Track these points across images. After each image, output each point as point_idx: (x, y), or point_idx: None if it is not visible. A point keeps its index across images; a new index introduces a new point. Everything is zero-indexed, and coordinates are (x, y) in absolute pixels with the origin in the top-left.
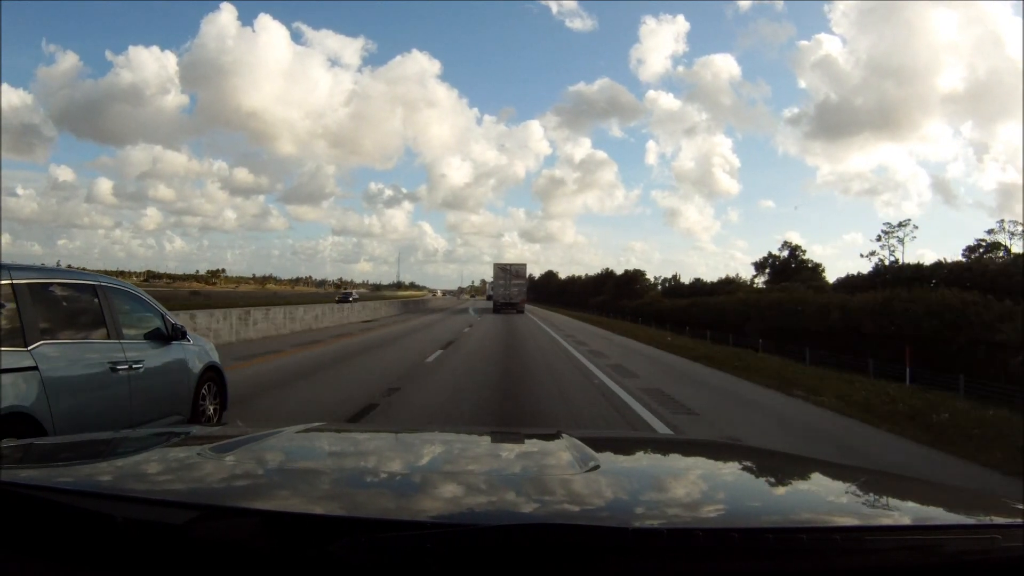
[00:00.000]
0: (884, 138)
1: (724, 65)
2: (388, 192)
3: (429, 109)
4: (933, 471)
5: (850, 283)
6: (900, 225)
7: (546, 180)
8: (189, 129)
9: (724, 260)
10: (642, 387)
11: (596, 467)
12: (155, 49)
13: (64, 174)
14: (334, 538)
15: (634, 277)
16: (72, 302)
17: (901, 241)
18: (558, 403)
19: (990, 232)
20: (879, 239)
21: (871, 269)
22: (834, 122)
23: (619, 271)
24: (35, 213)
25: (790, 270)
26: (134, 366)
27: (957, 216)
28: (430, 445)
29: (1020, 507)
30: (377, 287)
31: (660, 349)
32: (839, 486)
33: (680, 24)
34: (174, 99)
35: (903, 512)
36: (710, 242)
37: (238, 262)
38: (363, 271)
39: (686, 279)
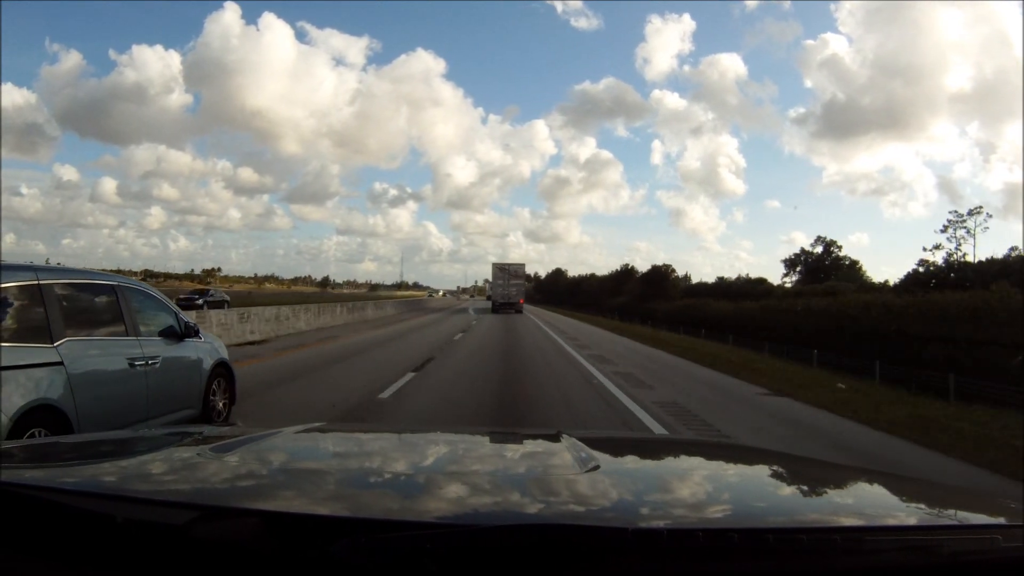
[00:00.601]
0: (890, 138)
1: (730, 64)
2: (393, 192)
3: (434, 108)
4: None
5: (917, 281)
6: (971, 213)
7: (551, 180)
8: (193, 128)
9: (729, 260)
10: None
11: (596, 467)
12: (159, 48)
13: (68, 173)
14: (334, 539)
15: (664, 273)
16: (93, 301)
17: (970, 232)
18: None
19: None
20: (944, 230)
21: (942, 264)
22: (840, 122)
23: (626, 270)
24: (39, 213)
25: (824, 267)
26: (151, 362)
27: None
28: (428, 445)
29: (1020, 507)
30: (375, 287)
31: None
32: (839, 486)
33: (686, 23)
34: (178, 98)
35: (903, 512)
36: (715, 242)
37: (243, 262)
38: (367, 271)
39: (692, 279)
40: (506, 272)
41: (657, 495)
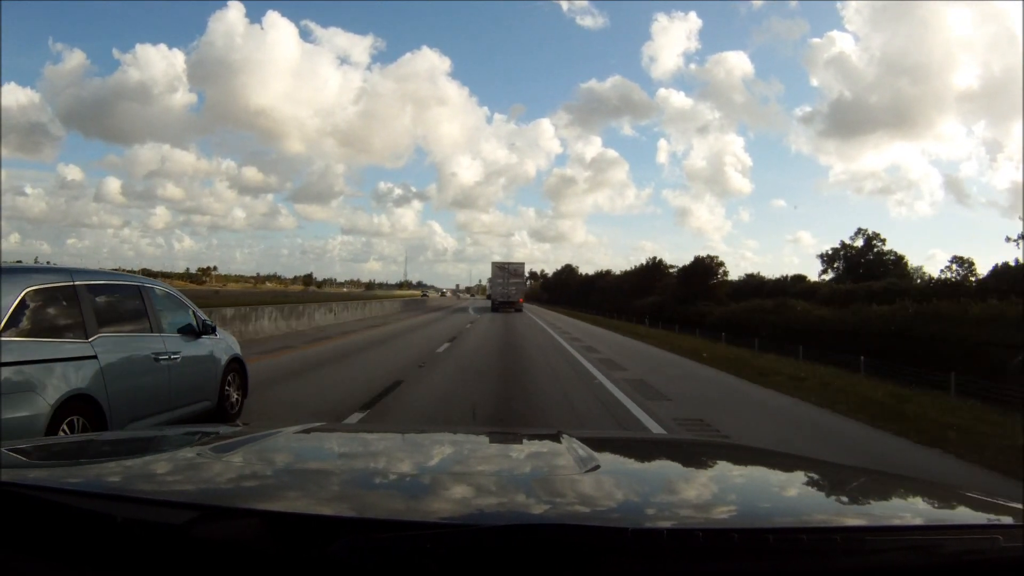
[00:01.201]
0: (897, 136)
1: (736, 63)
2: (398, 191)
3: (439, 107)
4: None
5: (1006, 276)
6: None
7: (556, 179)
8: (197, 128)
9: (735, 260)
10: None
11: (596, 467)
12: (162, 47)
13: (72, 173)
14: (334, 539)
15: (708, 267)
16: (121, 300)
17: None
18: None
19: None
20: None
21: None
22: (847, 120)
23: (655, 264)
24: (43, 212)
25: (866, 263)
26: (172, 356)
27: (970, 215)
28: (428, 446)
29: (1020, 507)
30: (371, 286)
31: None
32: (839, 486)
33: (692, 21)
34: (182, 97)
35: (903, 512)
36: (721, 242)
37: (247, 261)
38: (372, 270)
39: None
40: (506, 271)
41: (657, 495)
